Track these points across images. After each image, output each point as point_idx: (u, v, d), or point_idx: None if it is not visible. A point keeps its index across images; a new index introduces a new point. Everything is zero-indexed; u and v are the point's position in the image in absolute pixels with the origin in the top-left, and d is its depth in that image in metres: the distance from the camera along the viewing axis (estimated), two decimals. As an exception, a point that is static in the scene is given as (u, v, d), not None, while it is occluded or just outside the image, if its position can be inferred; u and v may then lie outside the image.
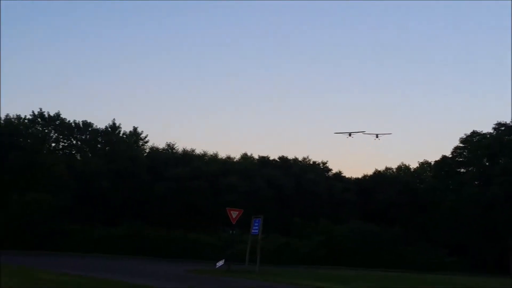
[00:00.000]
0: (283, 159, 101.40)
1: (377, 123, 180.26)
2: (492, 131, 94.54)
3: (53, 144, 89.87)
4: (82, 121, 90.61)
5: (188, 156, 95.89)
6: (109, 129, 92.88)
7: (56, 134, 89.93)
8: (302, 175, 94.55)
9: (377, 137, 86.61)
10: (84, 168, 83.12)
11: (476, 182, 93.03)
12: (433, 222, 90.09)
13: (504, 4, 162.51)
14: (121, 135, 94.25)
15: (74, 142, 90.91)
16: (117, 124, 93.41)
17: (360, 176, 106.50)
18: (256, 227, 50.70)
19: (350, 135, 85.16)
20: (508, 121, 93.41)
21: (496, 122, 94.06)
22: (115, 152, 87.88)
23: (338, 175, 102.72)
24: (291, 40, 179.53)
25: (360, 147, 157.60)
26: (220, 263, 49.91)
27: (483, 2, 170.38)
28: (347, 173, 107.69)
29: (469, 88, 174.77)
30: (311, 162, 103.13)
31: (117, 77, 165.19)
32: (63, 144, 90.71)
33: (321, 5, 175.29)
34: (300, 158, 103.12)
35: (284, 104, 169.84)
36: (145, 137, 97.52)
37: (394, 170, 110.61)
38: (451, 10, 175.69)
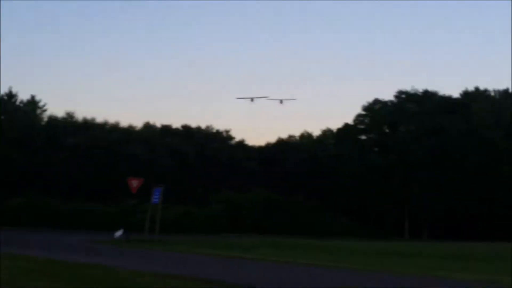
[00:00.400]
0: (186, 127, 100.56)
1: (281, 89, 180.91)
2: (393, 99, 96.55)
3: None
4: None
5: (89, 125, 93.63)
6: (5, 97, 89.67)
7: None
8: (205, 144, 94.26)
9: (281, 102, 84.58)
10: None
11: (376, 149, 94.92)
12: (334, 189, 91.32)
13: None
14: (17, 103, 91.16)
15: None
16: (13, 92, 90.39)
17: (263, 144, 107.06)
18: (157, 196, 50.18)
19: (252, 100, 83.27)
20: (409, 89, 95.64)
21: (397, 90, 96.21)
22: (11, 122, 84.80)
23: (241, 143, 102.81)
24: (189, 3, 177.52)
25: (263, 114, 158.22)
26: (119, 233, 48.87)
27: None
28: (250, 141, 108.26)
29: (373, 55, 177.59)
30: (215, 131, 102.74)
31: (14, 44, 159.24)
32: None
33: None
34: (203, 127, 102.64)
35: (186, 70, 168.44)
36: (44, 105, 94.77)
37: (297, 138, 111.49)
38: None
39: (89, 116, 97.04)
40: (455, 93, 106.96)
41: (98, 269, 20.70)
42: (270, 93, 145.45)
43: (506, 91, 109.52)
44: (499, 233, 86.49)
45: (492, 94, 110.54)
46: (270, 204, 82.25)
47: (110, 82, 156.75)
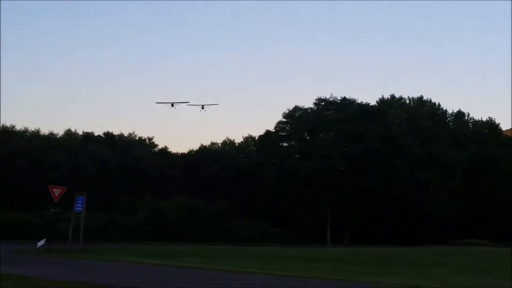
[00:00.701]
0: (108, 135, 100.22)
1: (203, 96, 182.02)
2: (313, 107, 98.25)
3: None
4: None
5: (7, 133, 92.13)
6: None
7: None
8: (128, 151, 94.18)
9: (202, 108, 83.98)
10: None
11: (297, 156, 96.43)
12: (257, 196, 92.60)
13: None
14: None
15: None
16: None
17: (186, 151, 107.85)
18: (80, 205, 49.85)
19: (172, 105, 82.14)
20: (328, 97, 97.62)
21: (317, 98, 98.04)
22: None
23: (164, 150, 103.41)
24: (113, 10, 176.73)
25: (186, 121, 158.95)
26: (41, 242, 48.56)
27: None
28: (173, 149, 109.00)
29: (293, 62, 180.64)
30: (137, 138, 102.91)
31: None
32: None
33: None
34: (126, 134, 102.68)
35: (108, 76, 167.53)
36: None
37: (220, 145, 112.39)
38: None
39: (8, 123, 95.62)
40: (372, 101, 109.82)
41: (12, 279, 20.97)
42: (192, 99, 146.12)
43: (420, 99, 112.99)
44: (416, 237, 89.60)
45: (408, 102, 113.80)
46: (194, 211, 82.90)
47: (28, 88, 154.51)
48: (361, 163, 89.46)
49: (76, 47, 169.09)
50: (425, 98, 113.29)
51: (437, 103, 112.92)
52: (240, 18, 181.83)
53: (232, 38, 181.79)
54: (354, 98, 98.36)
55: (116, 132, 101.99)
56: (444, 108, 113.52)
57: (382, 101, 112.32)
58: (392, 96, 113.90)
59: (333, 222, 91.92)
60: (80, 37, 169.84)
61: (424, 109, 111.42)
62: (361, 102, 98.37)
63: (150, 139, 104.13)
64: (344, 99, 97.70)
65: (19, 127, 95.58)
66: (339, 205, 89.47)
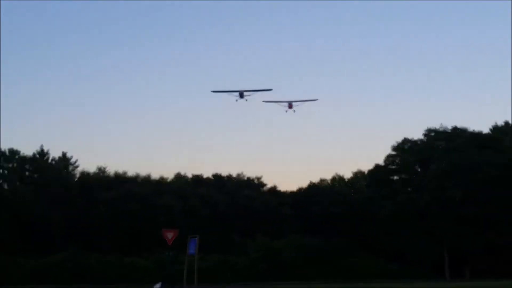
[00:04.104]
0: (217, 176, 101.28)
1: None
2: (422, 138, 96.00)
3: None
4: (8, 149, 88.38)
5: (121, 179, 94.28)
6: (37, 155, 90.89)
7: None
8: (237, 192, 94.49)
9: (290, 107, 70.45)
10: (13, 197, 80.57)
11: (409, 189, 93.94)
12: (370, 231, 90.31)
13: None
14: (50, 161, 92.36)
15: (1, 171, 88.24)
16: (45, 150, 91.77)
17: (295, 189, 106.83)
18: (193, 247, 49.98)
19: (241, 96, 64.83)
20: (437, 127, 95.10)
21: (426, 128, 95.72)
22: (44, 179, 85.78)
23: (274, 189, 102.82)
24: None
25: (295, 160, 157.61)
26: (158, 285, 48.98)
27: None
28: (282, 187, 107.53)
29: (399, 95, 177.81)
30: (246, 178, 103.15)
31: (43, 102, 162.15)
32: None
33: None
34: (234, 175, 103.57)
35: (214, 117, 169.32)
36: (75, 161, 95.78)
37: (329, 181, 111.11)
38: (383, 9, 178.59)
39: (120, 170, 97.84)
40: (485, 129, 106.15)
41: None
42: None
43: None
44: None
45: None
46: (307, 249, 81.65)
47: (138, 135, 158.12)
48: (477, 193, 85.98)
49: (183, 94, 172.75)
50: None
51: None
52: (344, 54, 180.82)
53: (333, 72, 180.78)
54: (465, 127, 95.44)
55: (224, 173, 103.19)
56: None
57: (495, 128, 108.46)
58: (506, 123, 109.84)
59: (450, 255, 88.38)
60: (191, 84, 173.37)
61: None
62: (473, 130, 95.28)
63: (258, 178, 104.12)
64: (455, 128, 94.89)
65: (131, 173, 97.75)
66: (457, 237, 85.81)
